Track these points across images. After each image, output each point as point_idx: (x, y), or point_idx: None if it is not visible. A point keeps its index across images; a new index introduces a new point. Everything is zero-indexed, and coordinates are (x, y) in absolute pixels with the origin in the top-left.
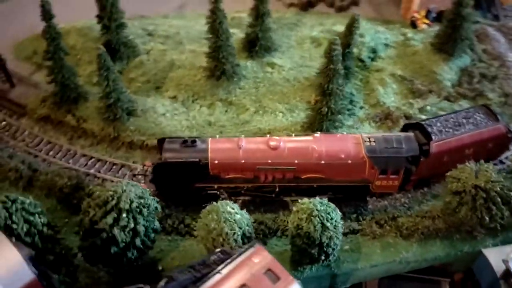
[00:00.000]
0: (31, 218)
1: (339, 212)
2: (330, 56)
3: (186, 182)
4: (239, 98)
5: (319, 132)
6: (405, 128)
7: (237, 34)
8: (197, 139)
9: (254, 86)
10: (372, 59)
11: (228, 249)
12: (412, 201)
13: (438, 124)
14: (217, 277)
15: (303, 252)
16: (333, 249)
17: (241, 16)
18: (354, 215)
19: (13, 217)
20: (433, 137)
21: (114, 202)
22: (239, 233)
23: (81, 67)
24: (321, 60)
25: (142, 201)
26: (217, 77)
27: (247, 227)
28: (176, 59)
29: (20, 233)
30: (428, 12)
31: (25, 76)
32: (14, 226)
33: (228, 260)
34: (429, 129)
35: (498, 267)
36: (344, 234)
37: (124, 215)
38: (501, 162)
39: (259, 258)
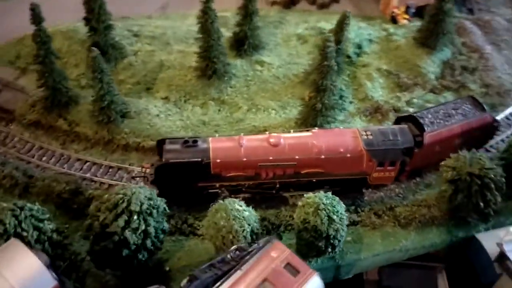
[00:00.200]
0: (40, 224)
1: (343, 204)
2: (324, 53)
3: (188, 182)
4: (231, 97)
5: (316, 128)
6: (397, 121)
7: (223, 33)
8: (198, 139)
9: (245, 85)
10: (358, 55)
11: (245, 245)
12: (406, 191)
13: (429, 116)
14: (238, 273)
15: (310, 245)
16: (339, 241)
17: (225, 15)
18: (353, 207)
19: (23, 224)
20: (426, 128)
21: (124, 204)
22: (248, 229)
23: (68, 70)
24: (309, 57)
25: (151, 202)
26: (208, 77)
27: (255, 224)
28: (165, 59)
29: (31, 240)
30: (407, 7)
31: (10, 81)
32: (24, 233)
33: (247, 257)
34: (422, 121)
35: (492, 250)
36: None
37: (135, 217)
38: (487, 150)
39: (278, 252)
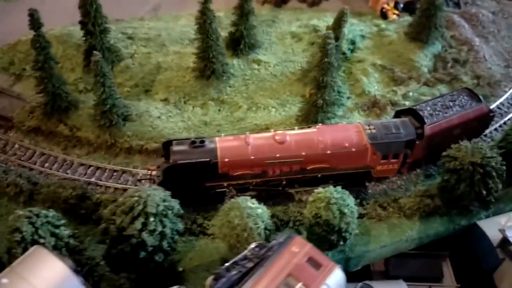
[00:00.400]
0: (57, 231)
1: (352, 198)
2: (325, 50)
3: (195, 183)
4: (230, 96)
5: (320, 124)
6: (397, 114)
7: None
8: (205, 139)
9: (244, 84)
10: (352, 51)
11: (264, 242)
12: (407, 183)
13: (428, 108)
14: (262, 270)
15: (322, 239)
16: (350, 234)
17: (218, 15)
18: (358, 200)
19: (39, 231)
20: (426, 120)
21: (140, 207)
22: (262, 226)
23: (64, 75)
24: (304, 55)
25: (166, 203)
26: (206, 77)
27: (268, 221)
28: (162, 61)
29: (48, 246)
30: (396, 3)
31: (5, 88)
32: (42, 240)
33: (269, 253)
34: (422, 113)
35: (494, 236)
36: None
37: (152, 219)
38: (482, 139)
39: (299, 247)
